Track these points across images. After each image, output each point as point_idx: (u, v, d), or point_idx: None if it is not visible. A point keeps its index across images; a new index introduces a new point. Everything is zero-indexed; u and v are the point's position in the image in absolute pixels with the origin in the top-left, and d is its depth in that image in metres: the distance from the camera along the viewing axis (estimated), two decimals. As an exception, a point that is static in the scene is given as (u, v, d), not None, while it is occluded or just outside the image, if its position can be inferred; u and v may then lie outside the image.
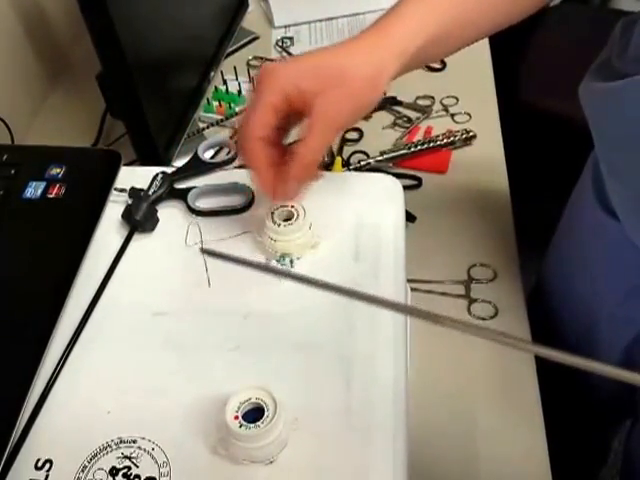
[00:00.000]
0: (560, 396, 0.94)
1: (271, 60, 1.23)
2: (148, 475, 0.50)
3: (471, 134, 1.04)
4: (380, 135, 1.07)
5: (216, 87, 1.14)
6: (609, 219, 0.74)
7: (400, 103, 1.11)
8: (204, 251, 0.59)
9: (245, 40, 1.28)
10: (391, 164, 1.01)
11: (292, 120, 0.62)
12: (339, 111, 0.59)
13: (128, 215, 0.66)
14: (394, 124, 1.08)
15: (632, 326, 0.79)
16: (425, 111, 1.10)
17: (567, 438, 1.05)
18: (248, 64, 1.22)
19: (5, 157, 0.72)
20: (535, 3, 0.68)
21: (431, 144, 1.02)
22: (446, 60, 1.18)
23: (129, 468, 0.51)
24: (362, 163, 1.00)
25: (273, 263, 0.62)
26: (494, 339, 0.42)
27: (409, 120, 1.09)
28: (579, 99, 0.71)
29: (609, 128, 0.67)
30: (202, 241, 0.63)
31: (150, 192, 0.68)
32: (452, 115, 1.09)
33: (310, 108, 0.58)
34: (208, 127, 1.11)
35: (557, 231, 0.92)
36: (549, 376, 0.81)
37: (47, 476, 0.51)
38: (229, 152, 0.72)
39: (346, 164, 1.01)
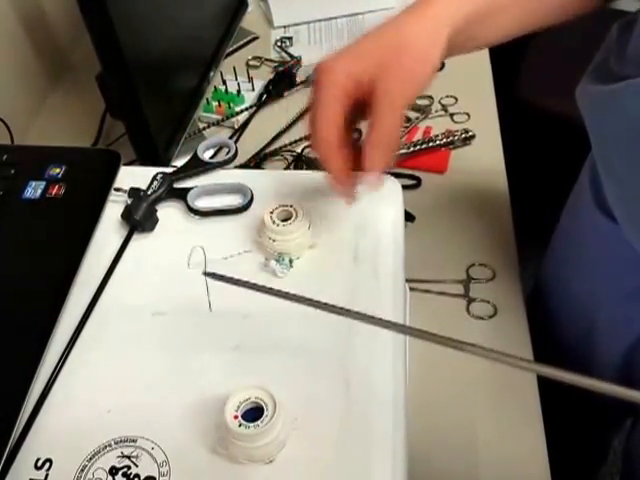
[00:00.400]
0: (560, 396, 0.94)
1: (271, 60, 1.23)
2: (148, 474, 0.50)
3: (470, 134, 1.04)
4: (379, 135, 1.06)
5: (215, 87, 1.14)
6: (607, 221, 0.74)
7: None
8: (207, 274, 0.58)
9: (244, 40, 1.28)
10: (390, 164, 1.01)
11: (358, 116, 0.61)
12: (401, 87, 0.58)
13: (128, 215, 0.66)
14: (393, 124, 1.08)
15: (632, 329, 0.79)
16: (424, 111, 1.10)
17: (567, 437, 1.05)
18: (247, 64, 1.22)
19: (5, 157, 0.72)
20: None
21: (430, 144, 1.02)
22: (445, 60, 1.17)
23: (129, 467, 0.51)
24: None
25: (272, 263, 0.62)
26: (497, 359, 0.42)
27: (408, 120, 1.09)
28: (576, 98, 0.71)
29: (607, 130, 0.67)
30: (205, 263, 0.62)
31: (150, 192, 0.68)
32: (451, 115, 1.09)
33: (373, 91, 0.57)
34: (208, 127, 1.11)
35: (555, 232, 0.92)
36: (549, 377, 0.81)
37: (47, 475, 0.51)
38: (228, 152, 0.72)
39: (345, 164, 1.01)
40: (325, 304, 0.49)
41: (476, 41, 0.67)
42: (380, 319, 0.48)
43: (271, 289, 0.53)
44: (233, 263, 0.63)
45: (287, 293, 0.52)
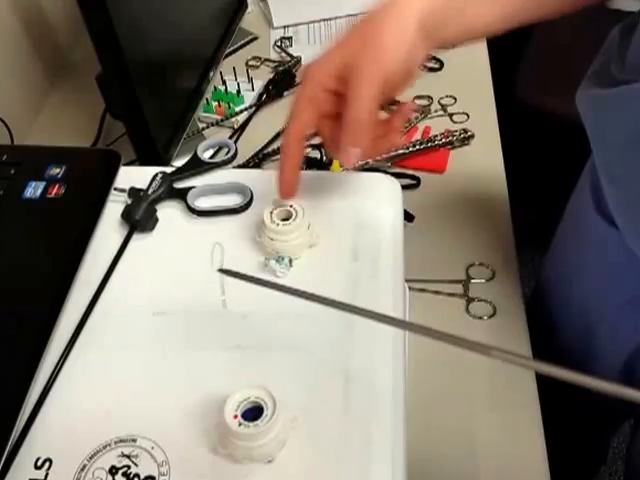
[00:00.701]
0: (560, 396, 0.94)
1: (271, 61, 1.23)
2: (147, 474, 0.50)
3: (469, 134, 1.04)
4: (379, 135, 1.07)
5: (215, 87, 1.14)
6: (608, 226, 0.74)
7: (398, 102, 1.11)
8: (221, 271, 0.59)
9: (244, 40, 1.28)
10: (389, 164, 1.02)
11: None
12: (373, 64, 0.59)
13: (127, 215, 0.66)
14: (393, 124, 1.08)
15: (633, 335, 0.79)
16: (423, 111, 1.10)
17: (567, 437, 1.05)
18: (247, 64, 1.22)
19: (5, 157, 0.72)
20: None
21: (429, 144, 1.03)
22: (444, 60, 1.18)
23: (128, 467, 0.51)
24: (360, 163, 1.00)
25: (272, 263, 0.62)
26: (495, 356, 0.42)
27: (407, 120, 1.09)
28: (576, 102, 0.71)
29: (607, 134, 0.67)
30: (222, 261, 0.63)
31: (149, 192, 0.68)
32: (450, 115, 1.09)
33: (351, 68, 0.59)
34: (207, 127, 1.11)
35: (556, 236, 0.92)
36: (548, 377, 0.81)
37: (47, 475, 0.51)
38: (228, 152, 0.72)
39: (345, 164, 1.01)
40: (341, 303, 0.50)
41: (465, 28, 0.67)
42: (393, 318, 0.48)
43: (284, 287, 0.53)
44: (233, 263, 0.63)
45: (300, 291, 0.52)
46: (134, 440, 0.52)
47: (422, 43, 0.62)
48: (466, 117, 1.09)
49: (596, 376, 0.39)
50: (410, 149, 1.02)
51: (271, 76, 1.19)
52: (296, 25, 1.31)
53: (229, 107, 1.12)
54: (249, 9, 1.32)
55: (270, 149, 1.06)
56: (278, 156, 1.04)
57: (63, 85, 1.24)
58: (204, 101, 1.11)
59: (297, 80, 1.16)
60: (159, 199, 0.68)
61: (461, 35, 0.67)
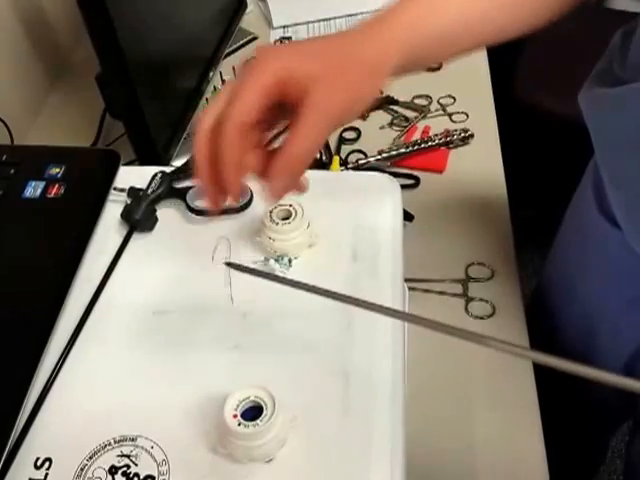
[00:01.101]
0: (559, 397, 0.95)
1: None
2: (147, 473, 0.51)
3: (468, 133, 1.04)
4: (378, 134, 1.07)
5: (215, 87, 1.14)
6: (610, 227, 0.74)
7: (397, 102, 1.12)
8: (228, 264, 0.57)
9: (244, 40, 1.28)
10: (389, 163, 1.02)
11: (279, 116, 0.55)
12: (337, 100, 0.52)
13: (127, 214, 0.66)
14: (392, 123, 1.09)
15: (634, 335, 0.79)
16: (422, 110, 1.10)
17: (566, 437, 1.05)
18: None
19: (4, 157, 0.72)
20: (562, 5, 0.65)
21: (429, 143, 1.03)
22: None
23: (128, 467, 0.51)
24: (360, 162, 1.01)
25: (271, 262, 0.63)
26: (492, 346, 0.42)
27: (407, 119, 1.09)
28: (578, 103, 0.71)
29: (609, 134, 0.67)
30: (230, 255, 0.62)
31: (149, 192, 0.68)
32: (449, 114, 1.10)
33: (304, 95, 0.51)
34: (207, 127, 1.11)
35: (558, 235, 0.92)
36: (548, 377, 0.81)
37: (46, 475, 0.51)
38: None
39: (344, 163, 1.01)
40: (347, 297, 0.49)
41: (442, 55, 0.65)
42: (395, 310, 0.48)
43: (290, 280, 0.53)
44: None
45: (302, 283, 0.51)
46: (134, 440, 0.52)
47: (398, 68, 0.57)
48: (465, 117, 1.09)
49: (593, 366, 0.39)
50: (409, 149, 1.02)
51: (271, 76, 1.19)
52: (295, 25, 1.31)
53: (229, 107, 1.12)
54: (249, 9, 1.32)
55: (270, 149, 1.06)
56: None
57: (63, 85, 1.24)
58: (204, 101, 1.11)
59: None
60: (159, 199, 0.68)
61: (446, 58, 0.65)
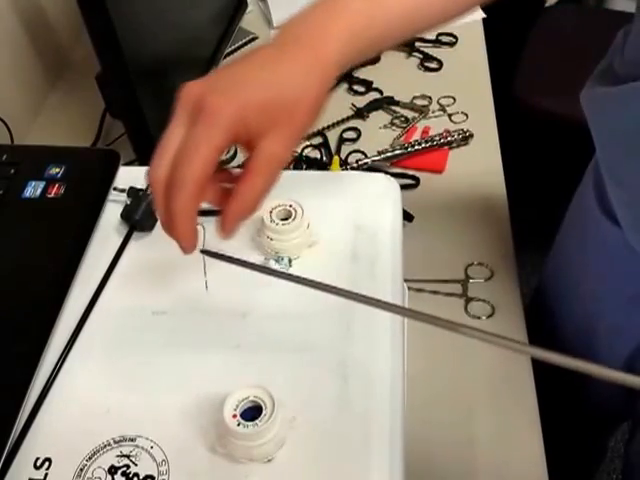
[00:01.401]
0: (558, 397, 0.95)
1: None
2: (147, 473, 0.51)
3: (468, 134, 1.04)
4: (378, 135, 1.07)
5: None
6: (611, 225, 0.74)
7: (397, 103, 1.12)
8: (203, 252, 0.57)
9: (244, 40, 1.28)
10: (389, 163, 1.02)
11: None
12: (287, 149, 0.53)
13: (127, 214, 0.66)
14: (391, 124, 1.09)
15: (634, 333, 0.79)
16: (422, 111, 1.10)
17: (565, 438, 1.05)
18: (246, 64, 1.22)
19: (4, 157, 0.72)
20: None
21: (428, 144, 1.03)
22: (443, 60, 1.18)
23: (128, 467, 0.51)
24: (360, 162, 1.01)
25: (271, 263, 0.63)
26: (491, 341, 0.42)
27: (406, 120, 1.09)
28: (577, 98, 0.71)
29: (610, 133, 0.67)
30: (204, 242, 0.62)
31: (149, 192, 0.68)
32: (449, 115, 1.10)
33: (255, 146, 0.51)
34: (207, 127, 1.11)
35: (558, 234, 0.92)
36: (547, 378, 0.81)
37: (46, 475, 0.51)
38: (228, 152, 0.72)
39: (344, 163, 1.01)
40: (323, 284, 0.50)
41: (383, 48, 0.63)
42: (379, 300, 0.48)
43: (265, 267, 0.53)
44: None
45: (283, 273, 0.52)
46: (133, 440, 0.52)
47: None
48: (465, 117, 1.09)
49: (592, 361, 0.39)
50: (409, 149, 1.02)
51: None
52: (296, 25, 1.31)
53: (228, 107, 1.12)
54: (249, 9, 1.32)
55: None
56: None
57: (63, 85, 1.24)
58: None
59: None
60: (158, 199, 0.68)
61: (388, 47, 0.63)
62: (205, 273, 0.61)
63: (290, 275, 0.52)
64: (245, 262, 0.55)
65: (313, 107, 0.54)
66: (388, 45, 0.62)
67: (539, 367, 0.79)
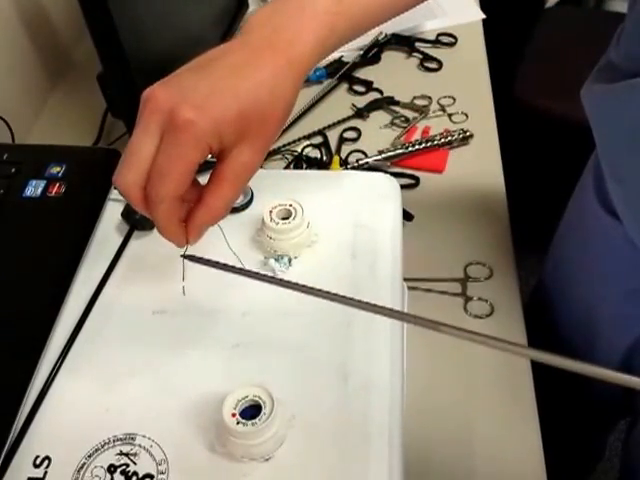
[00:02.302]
0: (557, 395, 0.95)
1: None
2: (146, 472, 0.51)
3: (468, 134, 1.04)
4: (378, 134, 1.07)
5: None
6: (611, 220, 0.74)
7: (397, 103, 1.12)
8: (185, 257, 0.56)
9: (244, 40, 1.28)
10: (389, 163, 1.02)
11: None
12: (258, 158, 0.53)
13: (127, 214, 0.67)
14: (392, 124, 1.09)
15: (632, 328, 0.79)
16: (422, 111, 1.10)
17: (564, 435, 1.06)
18: (247, 64, 1.22)
19: (5, 156, 0.73)
20: None
21: (428, 144, 1.03)
22: (442, 60, 1.18)
23: (127, 465, 0.51)
24: (360, 162, 1.01)
25: (271, 262, 0.63)
26: (491, 345, 0.42)
27: (406, 120, 1.09)
28: (577, 99, 0.71)
29: (610, 129, 0.67)
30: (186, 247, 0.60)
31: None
32: (449, 115, 1.10)
33: (226, 155, 0.51)
34: (207, 126, 1.11)
35: (558, 230, 0.92)
36: (546, 376, 0.81)
37: (45, 473, 0.51)
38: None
39: (344, 163, 1.01)
40: (310, 289, 0.50)
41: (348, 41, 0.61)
42: (367, 303, 0.48)
43: (249, 271, 0.53)
44: (232, 261, 0.63)
45: (266, 276, 0.52)
46: (133, 438, 0.53)
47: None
48: (465, 117, 1.09)
49: (591, 363, 0.39)
50: (409, 149, 1.02)
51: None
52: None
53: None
54: (250, 9, 1.32)
55: (271, 148, 1.06)
56: (279, 155, 1.04)
57: (64, 84, 1.24)
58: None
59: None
60: (159, 198, 0.68)
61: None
62: (183, 278, 0.61)
63: (276, 279, 0.52)
64: (229, 267, 0.54)
65: (286, 112, 0.53)
66: (363, 32, 0.61)
67: (538, 366, 0.80)
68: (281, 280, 0.52)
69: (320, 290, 0.49)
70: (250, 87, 0.51)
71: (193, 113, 0.48)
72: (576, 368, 0.39)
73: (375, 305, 0.48)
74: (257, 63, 0.52)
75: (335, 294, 0.49)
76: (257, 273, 0.53)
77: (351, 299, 0.49)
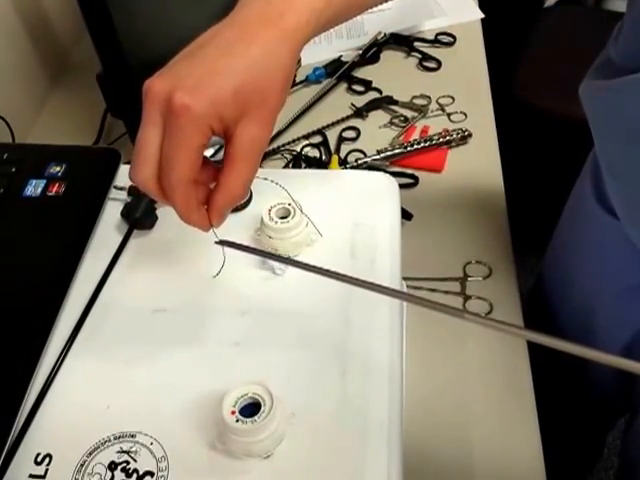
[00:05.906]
0: (556, 393, 0.95)
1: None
2: (146, 469, 0.51)
3: (467, 133, 1.04)
4: (377, 134, 1.07)
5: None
6: (608, 217, 0.75)
7: (396, 102, 1.12)
8: (220, 242, 0.57)
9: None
10: (388, 163, 1.02)
11: None
12: (265, 130, 0.52)
13: (127, 213, 0.67)
14: (391, 123, 1.09)
15: (630, 325, 0.80)
16: (421, 110, 1.10)
17: (563, 433, 1.06)
18: (247, 63, 1.22)
19: (6, 155, 0.73)
20: None
21: (427, 143, 1.03)
22: (441, 60, 1.18)
23: (127, 463, 0.51)
24: (359, 161, 1.01)
25: (271, 261, 0.63)
26: (488, 325, 0.43)
27: (405, 119, 1.09)
28: (575, 98, 0.71)
29: (608, 126, 0.68)
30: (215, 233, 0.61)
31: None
32: (448, 114, 1.10)
33: (232, 133, 0.51)
34: (207, 126, 1.11)
35: (557, 228, 0.93)
36: (545, 374, 0.81)
37: (47, 470, 0.51)
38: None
39: (343, 162, 1.01)
40: (341, 274, 0.50)
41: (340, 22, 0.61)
42: (389, 288, 0.48)
43: (285, 258, 0.53)
44: (232, 261, 0.63)
45: (301, 262, 0.52)
46: (133, 436, 0.53)
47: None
48: (464, 116, 1.09)
49: (584, 345, 0.39)
50: (408, 148, 1.02)
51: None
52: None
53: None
54: (249, 8, 1.32)
55: (270, 148, 1.07)
56: (278, 155, 1.04)
57: (64, 84, 1.24)
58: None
59: (297, 79, 1.16)
60: (159, 197, 0.68)
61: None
62: (224, 260, 0.61)
63: (310, 265, 0.51)
64: (263, 252, 0.55)
65: (286, 82, 0.53)
66: (360, 10, 0.62)
67: (538, 360, 0.80)
68: (311, 266, 0.51)
69: (338, 274, 0.50)
70: (243, 63, 0.51)
71: (188, 97, 0.49)
72: (575, 351, 0.39)
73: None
74: (249, 38, 0.52)
75: (364, 280, 0.49)
76: (288, 258, 0.52)
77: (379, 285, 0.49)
